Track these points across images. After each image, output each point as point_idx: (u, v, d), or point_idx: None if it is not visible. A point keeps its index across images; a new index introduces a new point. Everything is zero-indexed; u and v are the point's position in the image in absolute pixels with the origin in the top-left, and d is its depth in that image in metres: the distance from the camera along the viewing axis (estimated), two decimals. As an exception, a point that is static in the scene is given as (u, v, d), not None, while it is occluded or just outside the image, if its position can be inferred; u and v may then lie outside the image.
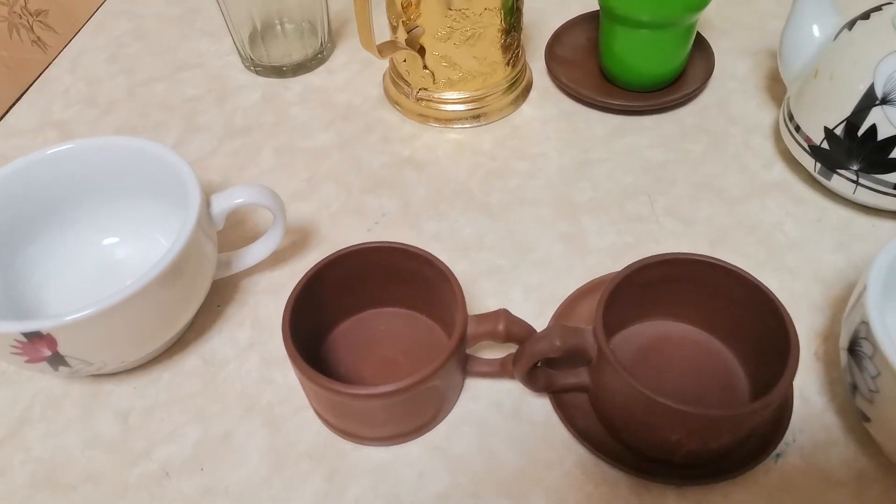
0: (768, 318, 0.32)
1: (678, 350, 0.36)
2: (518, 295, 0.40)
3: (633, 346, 0.36)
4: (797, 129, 0.43)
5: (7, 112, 0.54)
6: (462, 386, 0.37)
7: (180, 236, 0.33)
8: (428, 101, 0.50)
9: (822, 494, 0.32)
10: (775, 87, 0.52)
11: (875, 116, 0.39)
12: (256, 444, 0.35)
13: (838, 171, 0.42)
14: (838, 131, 0.40)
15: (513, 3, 0.46)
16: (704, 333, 0.36)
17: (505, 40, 0.47)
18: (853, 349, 0.31)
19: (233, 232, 0.44)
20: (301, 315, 0.34)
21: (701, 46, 0.53)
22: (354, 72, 0.55)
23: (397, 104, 0.51)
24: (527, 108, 0.52)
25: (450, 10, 0.44)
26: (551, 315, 0.38)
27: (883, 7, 0.41)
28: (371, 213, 0.45)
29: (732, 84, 0.52)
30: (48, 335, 0.31)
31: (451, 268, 0.34)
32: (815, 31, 0.44)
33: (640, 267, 0.33)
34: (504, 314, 0.33)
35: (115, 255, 0.41)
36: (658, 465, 0.33)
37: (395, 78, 0.51)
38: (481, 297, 0.40)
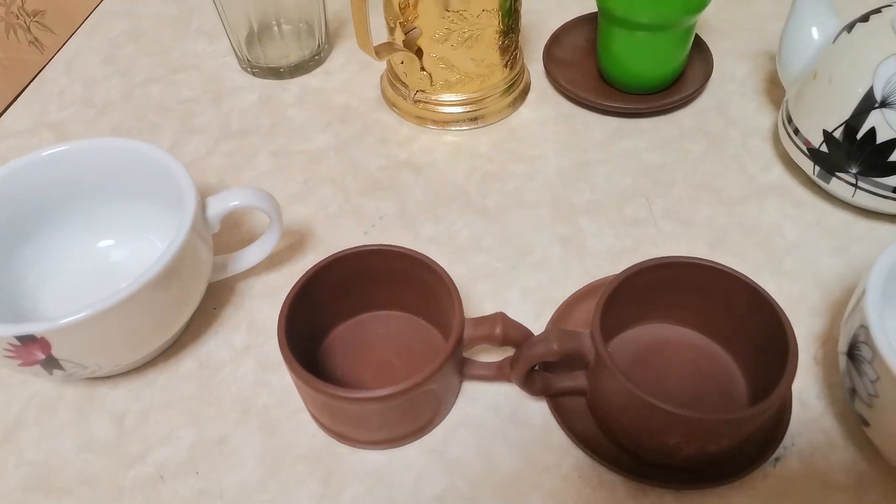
0: (767, 321, 0.32)
1: (676, 354, 0.36)
2: (516, 297, 0.40)
3: (631, 349, 0.36)
4: (796, 131, 0.43)
5: (2, 113, 0.54)
6: (459, 389, 0.36)
7: (175, 239, 0.33)
8: (425, 103, 0.49)
9: (820, 498, 0.32)
10: (774, 90, 0.51)
11: (874, 119, 0.38)
12: (252, 447, 0.35)
13: (837, 174, 0.41)
14: (837, 134, 0.40)
15: (510, 5, 0.46)
16: (703, 337, 0.36)
17: (503, 42, 0.47)
18: (852, 353, 0.31)
19: (229, 234, 0.44)
20: (297, 318, 0.33)
21: (700, 48, 0.52)
22: (352, 73, 0.55)
23: (395, 106, 0.51)
24: (525, 110, 0.51)
25: (447, 11, 0.44)
26: (549, 318, 0.38)
27: (882, 9, 0.41)
28: (368, 216, 0.45)
29: (731, 86, 0.52)
30: (42, 338, 0.30)
31: (448, 270, 0.34)
32: (814, 33, 0.43)
33: (638, 270, 0.33)
34: (501, 318, 0.33)
35: (110, 258, 0.41)
36: (656, 469, 0.32)
37: (393, 80, 0.50)
38: (479, 299, 0.40)
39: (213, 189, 0.47)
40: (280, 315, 0.33)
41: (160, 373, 0.38)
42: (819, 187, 0.44)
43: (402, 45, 0.47)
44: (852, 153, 0.40)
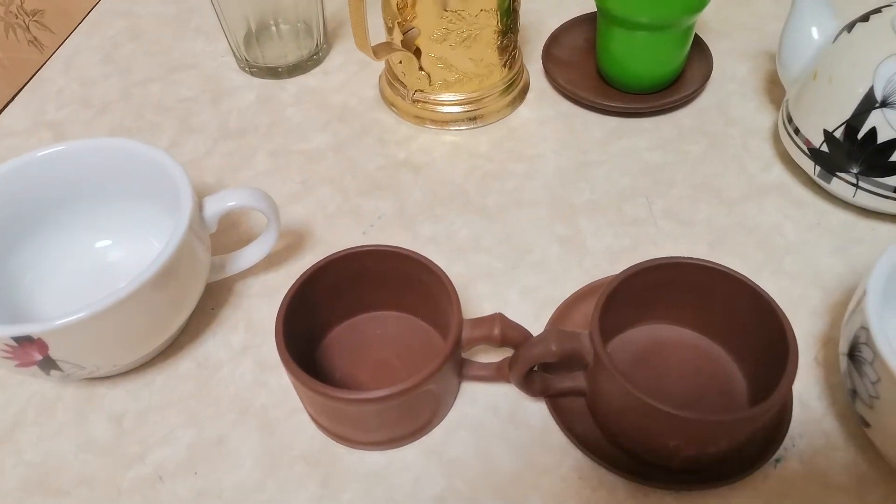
0: (767, 322, 0.32)
1: (676, 354, 0.36)
2: (515, 297, 0.40)
3: (630, 350, 0.36)
4: (796, 131, 0.43)
5: (0, 112, 0.54)
6: (458, 390, 0.36)
7: (172, 239, 0.33)
8: (424, 102, 0.49)
9: (821, 500, 0.32)
10: (774, 90, 0.51)
11: (875, 119, 0.38)
12: (250, 447, 0.35)
13: (838, 173, 0.41)
14: (838, 134, 0.40)
15: (509, 5, 0.45)
16: (703, 338, 0.36)
17: (501, 42, 0.47)
18: (853, 354, 0.31)
19: (227, 235, 0.44)
20: (295, 319, 0.33)
21: (699, 48, 0.52)
22: (350, 73, 0.55)
23: (393, 106, 0.51)
24: (524, 109, 0.51)
25: (446, 11, 0.44)
26: (548, 318, 0.38)
27: (882, 9, 0.41)
28: (367, 216, 0.45)
29: (731, 86, 0.52)
30: (38, 339, 0.30)
31: (447, 270, 0.34)
32: (814, 33, 0.43)
33: (637, 271, 0.33)
34: (500, 318, 0.33)
35: (108, 258, 0.41)
36: (656, 470, 0.32)
37: (392, 79, 0.50)
38: (478, 299, 0.40)
39: (211, 189, 0.47)
40: (278, 316, 0.33)
41: (158, 373, 0.38)
42: (819, 187, 0.44)
43: (400, 44, 0.47)
44: (853, 153, 0.40)
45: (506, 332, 0.33)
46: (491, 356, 0.37)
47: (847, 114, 0.39)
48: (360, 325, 0.38)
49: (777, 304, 0.32)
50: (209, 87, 0.54)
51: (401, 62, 0.48)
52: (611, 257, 0.42)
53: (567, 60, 0.53)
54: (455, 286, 0.34)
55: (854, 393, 0.31)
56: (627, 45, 0.48)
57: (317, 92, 0.53)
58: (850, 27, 0.41)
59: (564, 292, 0.39)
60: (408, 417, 0.33)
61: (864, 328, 0.30)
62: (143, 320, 0.33)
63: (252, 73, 0.55)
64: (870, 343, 0.29)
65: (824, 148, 0.41)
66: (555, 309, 0.38)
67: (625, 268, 0.33)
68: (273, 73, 0.54)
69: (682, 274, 0.34)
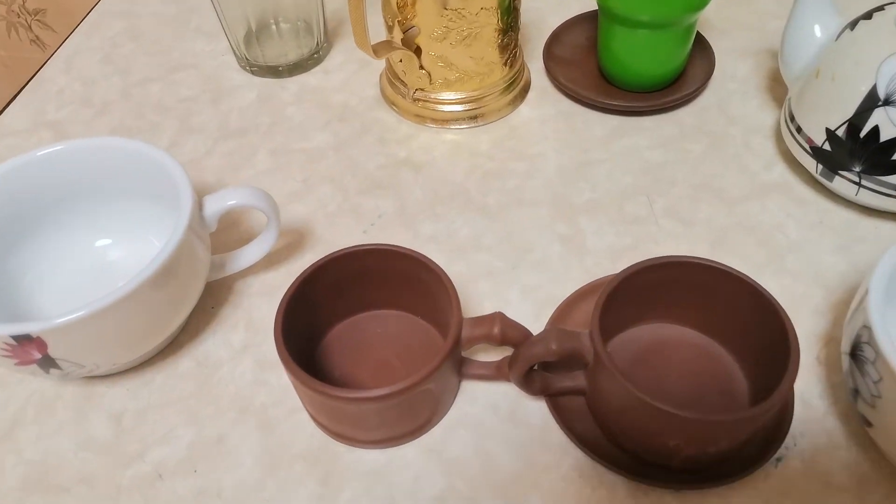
0: (768, 321, 0.32)
1: (677, 353, 0.36)
2: (515, 296, 0.40)
3: (631, 349, 0.36)
4: (798, 130, 0.43)
5: (1, 112, 0.54)
6: (458, 389, 0.36)
7: (171, 239, 0.33)
8: (425, 101, 0.49)
9: (822, 499, 0.32)
10: (776, 88, 0.51)
11: (878, 118, 0.38)
12: (250, 446, 0.35)
13: (840, 172, 0.41)
14: (840, 132, 0.40)
15: (509, 3, 0.45)
16: (704, 337, 0.36)
17: (502, 40, 0.47)
18: (855, 353, 0.31)
19: (227, 233, 0.44)
20: (294, 318, 0.33)
21: (701, 46, 0.52)
22: (351, 72, 0.55)
23: (394, 105, 0.51)
24: (525, 108, 0.51)
25: (446, 9, 0.44)
26: (549, 317, 0.38)
27: (886, 7, 0.40)
28: (367, 215, 0.45)
29: (733, 84, 0.52)
30: (38, 338, 0.30)
31: (447, 269, 0.34)
32: (817, 31, 0.43)
33: (637, 270, 0.33)
34: (499, 317, 0.33)
35: (108, 257, 0.41)
36: (656, 469, 0.32)
37: (392, 78, 0.50)
38: (478, 298, 0.40)
39: (211, 188, 0.47)
40: (277, 315, 0.32)
41: (158, 372, 0.38)
42: (822, 186, 0.44)
43: (400, 43, 0.47)
44: (855, 151, 0.40)
45: (506, 331, 0.33)
46: (491, 355, 0.37)
47: (849, 112, 0.39)
48: (360, 324, 0.38)
49: (779, 304, 0.32)
50: (209, 87, 0.54)
51: (401, 61, 0.48)
52: (612, 256, 0.42)
53: (568, 59, 0.53)
54: (455, 285, 0.33)
55: (856, 392, 0.31)
56: (629, 43, 0.47)
57: (317, 91, 0.53)
58: (852, 25, 0.41)
59: (565, 291, 0.39)
60: (407, 416, 0.33)
61: (867, 327, 0.30)
62: (143, 319, 0.33)
63: (252, 73, 0.55)
64: (872, 342, 0.29)
65: (826, 146, 0.41)
66: (556, 307, 0.38)
67: (626, 267, 0.33)
68: (273, 72, 0.54)
69: (683, 273, 0.34)
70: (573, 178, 0.46)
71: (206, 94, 0.53)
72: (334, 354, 0.37)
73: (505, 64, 0.49)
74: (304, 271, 0.34)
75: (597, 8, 0.49)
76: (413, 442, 0.34)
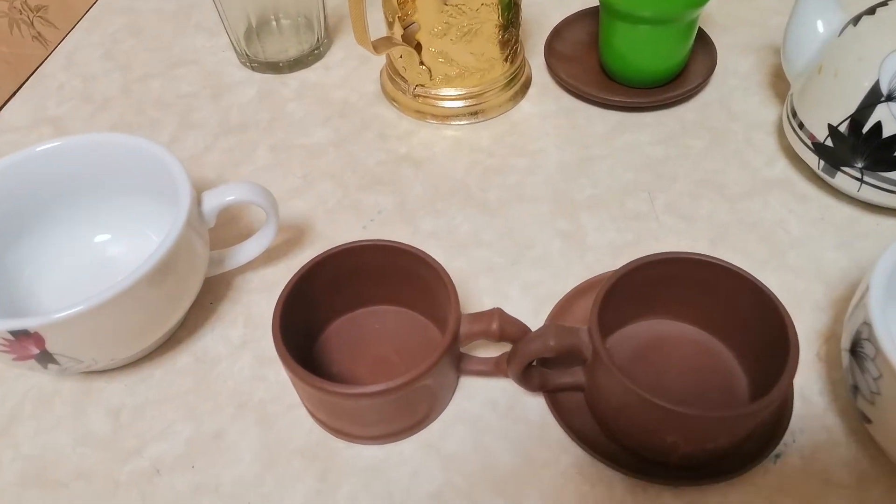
0: (768, 318, 0.32)
1: (677, 349, 0.36)
2: (515, 292, 0.40)
3: (630, 345, 0.36)
4: (801, 125, 0.43)
5: (1, 108, 0.54)
6: (456, 384, 0.36)
7: (169, 234, 0.33)
8: (425, 97, 0.49)
9: (821, 496, 0.32)
10: (778, 84, 0.51)
11: (880, 113, 0.38)
12: (248, 441, 0.35)
13: (842, 168, 0.41)
14: (842, 128, 0.40)
15: (511, -2, 0.45)
16: (704, 333, 0.36)
17: (503, 36, 0.47)
18: (855, 350, 0.31)
19: (226, 229, 0.44)
20: (292, 314, 0.33)
21: (703, 42, 0.52)
22: (351, 68, 0.54)
23: (394, 101, 0.51)
24: (526, 104, 0.51)
25: (446, 5, 0.43)
26: (549, 313, 0.38)
27: (889, 2, 0.40)
28: (367, 211, 0.45)
29: (735, 80, 0.52)
30: (35, 333, 0.30)
31: (448, 265, 0.34)
32: (820, 26, 0.43)
33: (636, 266, 0.33)
34: (498, 313, 0.33)
35: (107, 253, 0.41)
36: (655, 466, 0.32)
37: (392, 74, 0.50)
38: (478, 294, 0.40)
39: (211, 184, 0.47)
40: (275, 311, 0.32)
41: (156, 367, 0.38)
42: (824, 182, 0.44)
43: (400, 39, 0.46)
44: (858, 147, 0.39)
45: (504, 327, 0.33)
46: (489, 351, 0.37)
47: (852, 108, 0.39)
48: (359, 320, 0.38)
49: (778, 300, 0.31)
50: (210, 83, 0.54)
51: (401, 57, 0.48)
52: (613, 252, 0.41)
53: (569, 55, 0.53)
54: (456, 281, 0.33)
55: (855, 389, 0.31)
56: (630, 39, 0.47)
57: (318, 87, 0.53)
58: (855, 20, 0.41)
59: (566, 287, 0.39)
60: (405, 412, 0.33)
61: (867, 324, 0.29)
62: (141, 315, 0.33)
63: (253, 69, 0.55)
64: (872, 339, 0.29)
65: (829, 142, 0.41)
66: (555, 304, 0.38)
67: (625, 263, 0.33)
68: (274, 67, 0.54)
69: (682, 269, 0.34)
70: (574, 174, 0.46)
71: (206, 90, 0.53)
72: (333, 350, 0.37)
73: (506, 60, 0.48)
74: (303, 267, 0.34)
75: (598, 4, 0.49)
76: (411, 438, 0.34)
